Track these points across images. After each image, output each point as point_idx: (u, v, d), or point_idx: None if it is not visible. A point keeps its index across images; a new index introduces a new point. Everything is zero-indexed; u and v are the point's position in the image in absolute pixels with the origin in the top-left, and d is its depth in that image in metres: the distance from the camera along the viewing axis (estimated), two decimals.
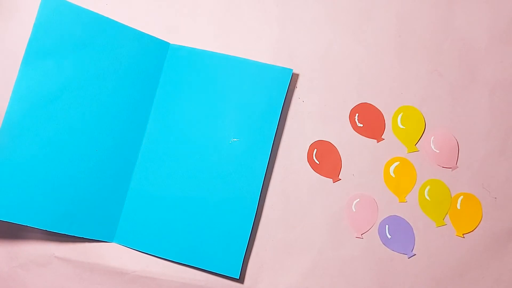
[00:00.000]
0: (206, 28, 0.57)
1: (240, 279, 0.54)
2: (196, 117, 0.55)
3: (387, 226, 0.54)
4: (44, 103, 0.52)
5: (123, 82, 0.54)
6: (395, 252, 0.54)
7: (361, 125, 0.56)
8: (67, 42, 0.52)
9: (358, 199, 0.55)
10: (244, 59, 0.55)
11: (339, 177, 0.55)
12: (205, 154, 0.54)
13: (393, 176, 0.55)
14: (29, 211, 0.51)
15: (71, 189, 0.53)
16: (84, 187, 0.53)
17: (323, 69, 0.56)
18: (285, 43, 0.57)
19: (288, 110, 0.56)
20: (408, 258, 0.54)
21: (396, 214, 0.55)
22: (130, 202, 0.55)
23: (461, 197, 0.55)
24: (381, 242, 0.54)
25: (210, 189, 0.54)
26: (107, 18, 0.54)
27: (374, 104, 0.56)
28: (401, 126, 0.56)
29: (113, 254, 0.55)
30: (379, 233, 0.54)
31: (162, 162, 0.55)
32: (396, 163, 0.55)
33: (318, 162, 0.55)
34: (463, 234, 0.55)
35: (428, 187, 0.55)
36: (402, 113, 0.56)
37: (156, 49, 0.56)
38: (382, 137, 0.56)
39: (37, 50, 0.51)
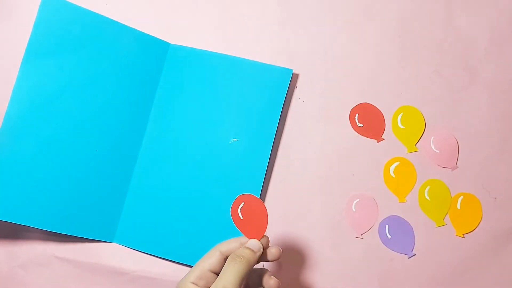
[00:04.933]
0: (206, 28, 0.57)
1: None
2: (196, 117, 0.55)
3: (387, 226, 0.54)
4: (44, 103, 0.52)
5: (123, 82, 0.54)
6: (395, 252, 0.54)
7: (361, 125, 0.56)
8: (67, 42, 0.52)
9: (358, 199, 0.55)
10: (244, 59, 0.55)
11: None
12: (205, 154, 0.54)
13: (393, 176, 0.55)
14: (29, 211, 0.51)
15: (71, 189, 0.52)
16: (84, 187, 0.53)
17: (323, 69, 0.56)
18: (285, 43, 0.57)
19: (288, 110, 0.56)
20: (408, 258, 0.54)
21: (396, 214, 0.55)
22: (130, 202, 0.55)
23: (461, 197, 0.55)
24: (381, 242, 0.54)
25: (210, 189, 0.54)
26: (107, 18, 0.54)
27: (374, 104, 0.56)
28: (401, 126, 0.56)
29: (113, 254, 0.55)
30: (379, 233, 0.54)
31: (162, 162, 0.55)
32: (396, 163, 0.55)
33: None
34: (463, 234, 0.55)
35: (428, 187, 0.55)
36: (402, 113, 0.56)
37: (156, 49, 0.56)
38: (382, 137, 0.56)
39: (37, 50, 0.51)
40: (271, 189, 0.55)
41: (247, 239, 0.43)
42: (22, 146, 0.51)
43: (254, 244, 0.42)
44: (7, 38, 0.55)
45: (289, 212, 0.55)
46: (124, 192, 0.55)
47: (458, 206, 0.55)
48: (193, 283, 0.41)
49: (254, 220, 0.45)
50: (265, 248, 0.44)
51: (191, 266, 0.54)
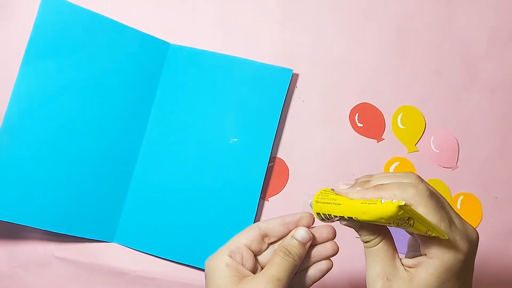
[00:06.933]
0: (206, 28, 0.57)
1: None
2: (196, 117, 0.55)
3: (387, 226, 0.54)
4: (44, 103, 0.52)
5: (123, 82, 0.54)
6: None
7: (361, 125, 0.56)
8: (67, 42, 0.52)
9: None
10: (244, 59, 0.55)
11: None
12: (205, 154, 0.54)
13: None
14: (29, 211, 0.51)
15: (71, 189, 0.52)
16: (84, 187, 0.53)
17: (323, 69, 0.56)
18: (285, 43, 0.57)
19: (288, 110, 0.56)
20: None
21: None
22: (130, 202, 0.55)
23: (461, 197, 0.55)
24: None
25: (210, 189, 0.54)
26: (107, 18, 0.54)
27: (374, 104, 0.56)
28: (401, 126, 0.56)
29: (113, 254, 0.55)
30: None
31: (162, 162, 0.55)
32: (396, 163, 0.55)
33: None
34: None
35: None
36: (402, 113, 0.56)
37: (156, 49, 0.56)
38: (382, 137, 0.56)
39: (37, 50, 0.51)
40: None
41: (290, 219, 0.39)
42: (22, 146, 0.51)
43: (303, 235, 0.38)
44: (7, 38, 0.55)
45: (290, 212, 0.55)
46: (124, 192, 0.55)
47: (458, 206, 0.55)
48: (230, 257, 0.37)
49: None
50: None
51: (191, 266, 0.54)
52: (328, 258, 0.39)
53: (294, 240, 0.37)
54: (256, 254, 0.39)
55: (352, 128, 0.56)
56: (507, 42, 0.57)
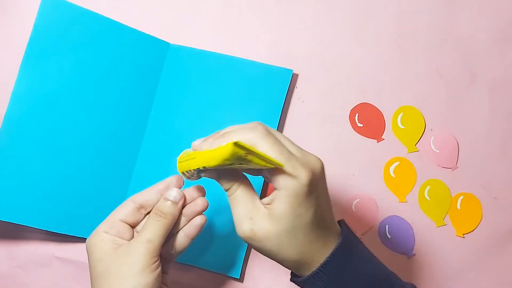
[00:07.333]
0: (206, 28, 0.57)
1: (240, 279, 0.54)
2: (196, 117, 0.55)
3: (387, 226, 0.54)
4: (44, 103, 0.52)
5: (123, 82, 0.54)
6: (395, 252, 0.54)
7: (361, 125, 0.56)
8: (67, 42, 0.52)
9: (358, 199, 0.55)
10: (244, 59, 0.55)
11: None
12: None
13: (393, 176, 0.55)
14: (29, 211, 0.51)
15: (71, 189, 0.52)
16: (84, 187, 0.53)
17: (323, 69, 0.56)
18: (285, 43, 0.57)
19: (288, 110, 0.56)
20: (408, 258, 0.54)
21: (396, 214, 0.55)
22: None
23: (461, 197, 0.55)
24: (381, 242, 0.54)
25: (210, 189, 0.54)
26: (107, 18, 0.54)
27: (374, 104, 0.56)
28: (401, 126, 0.56)
29: None
30: (379, 233, 0.54)
31: (162, 162, 0.55)
32: (396, 163, 0.55)
33: None
34: (463, 234, 0.55)
35: (428, 187, 0.55)
36: (402, 113, 0.56)
37: (156, 49, 0.56)
38: (382, 137, 0.56)
39: (37, 50, 0.51)
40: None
41: (161, 186, 0.41)
42: (22, 146, 0.51)
43: (174, 194, 0.40)
44: (7, 38, 0.55)
45: None
46: (125, 192, 0.55)
47: (458, 206, 0.55)
48: (105, 232, 0.40)
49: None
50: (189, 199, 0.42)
51: (191, 266, 0.54)
52: (200, 213, 0.42)
53: (167, 200, 0.40)
54: (133, 226, 0.42)
55: (352, 128, 0.56)
56: (507, 42, 0.57)
